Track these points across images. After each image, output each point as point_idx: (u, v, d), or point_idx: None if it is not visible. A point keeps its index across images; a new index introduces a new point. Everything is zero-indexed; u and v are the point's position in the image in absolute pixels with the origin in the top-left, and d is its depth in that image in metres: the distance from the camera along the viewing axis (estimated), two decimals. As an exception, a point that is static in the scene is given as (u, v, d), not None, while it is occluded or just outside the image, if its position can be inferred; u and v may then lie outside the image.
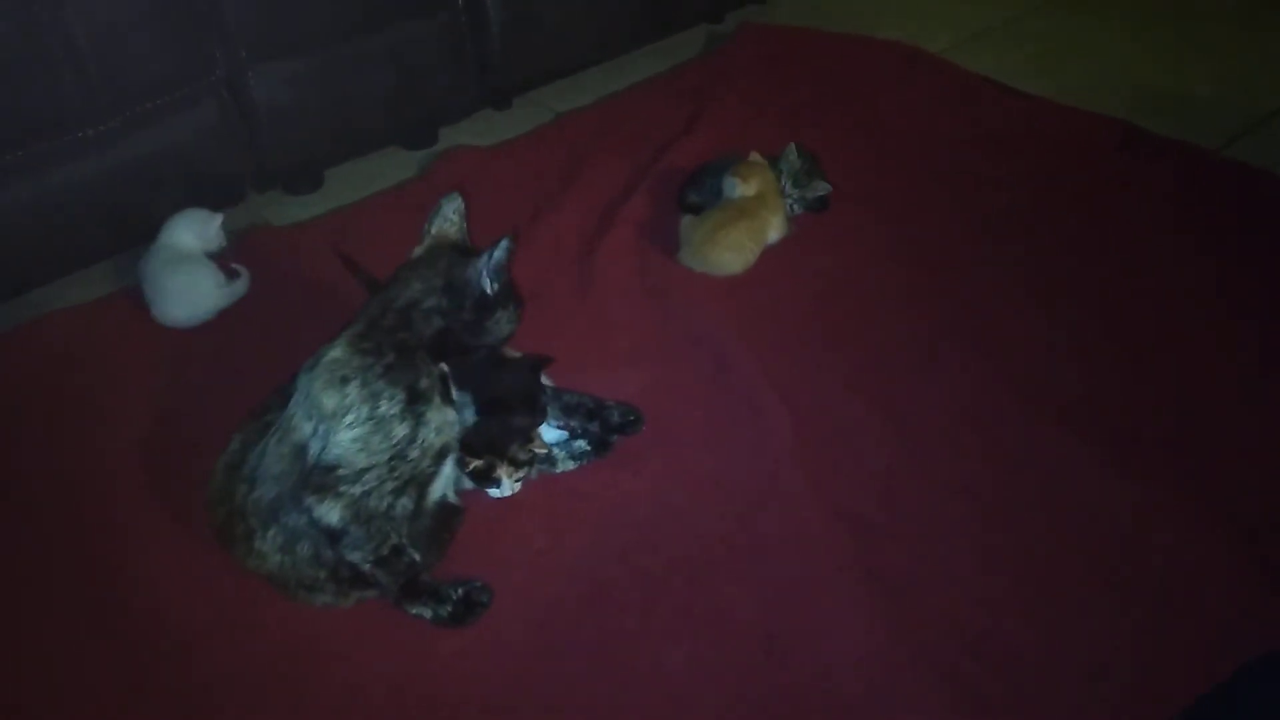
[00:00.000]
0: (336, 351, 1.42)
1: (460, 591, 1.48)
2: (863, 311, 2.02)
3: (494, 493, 1.62)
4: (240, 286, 2.08)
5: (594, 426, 1.74)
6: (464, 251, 1.54)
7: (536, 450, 1.63)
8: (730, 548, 1.58)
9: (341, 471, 1.38)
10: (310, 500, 1.38)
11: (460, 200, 1.59)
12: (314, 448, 1.39)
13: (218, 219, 2.12)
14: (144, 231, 2.07)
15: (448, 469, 1.54)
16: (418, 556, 1.47)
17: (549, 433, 1.71)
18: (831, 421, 1.79)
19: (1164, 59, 2.90)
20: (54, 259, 2.11)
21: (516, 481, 1.62)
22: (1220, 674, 1.29)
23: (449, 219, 1.58)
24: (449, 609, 1.47)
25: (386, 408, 1.39)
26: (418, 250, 1.56)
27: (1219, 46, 2.96)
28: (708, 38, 3.06)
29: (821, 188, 2.23)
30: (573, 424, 1.74)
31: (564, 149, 2.53)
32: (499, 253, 1.47)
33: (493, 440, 1.59)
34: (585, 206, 2.32)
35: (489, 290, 1.49)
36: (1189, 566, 1.53)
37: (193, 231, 2.09)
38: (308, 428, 1.40)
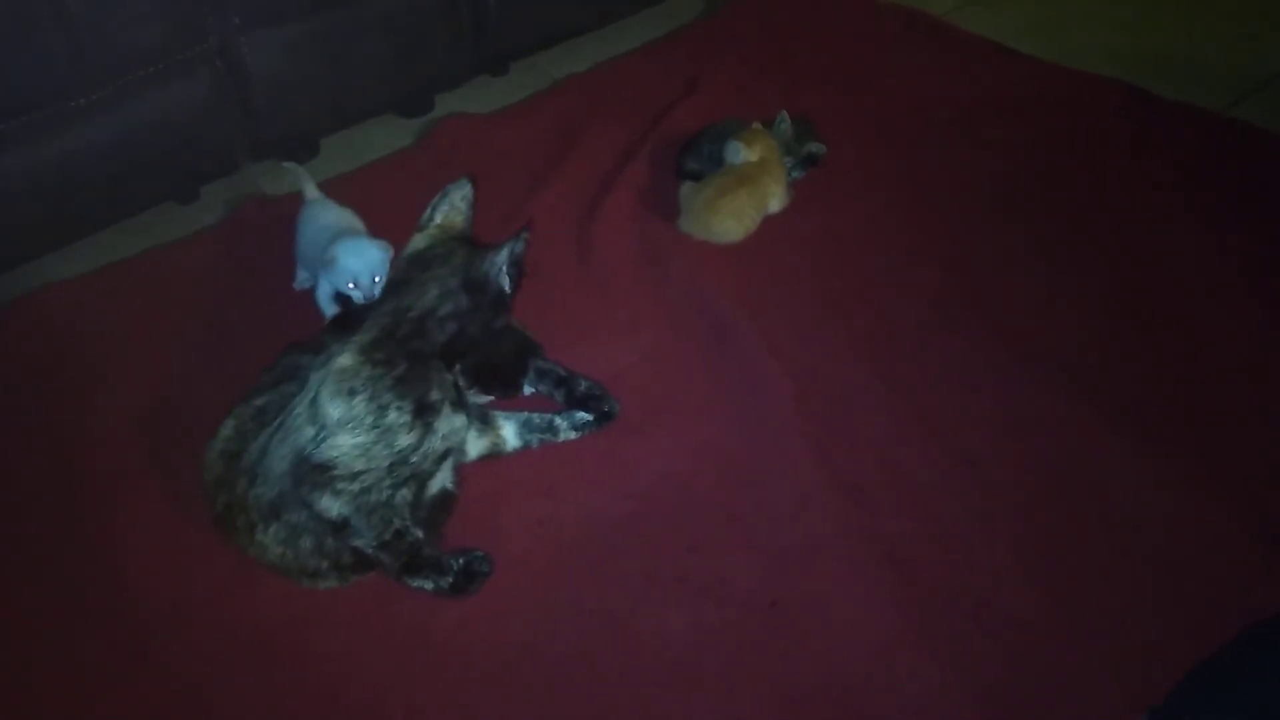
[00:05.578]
0: (346, 359, 1.39)
1: (461, 562, 1.48)
2: (864, 278, 2.01)
3: None
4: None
5: (559, 395, 1.73)
6: (472, 244, 1.48)
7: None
8: (731, 515, 1.58)
9: (337, 472, 1.37)
10: (311, 495, 1.38)
11: (470, 187, 1.53)
12: (310, 449, 1.38)
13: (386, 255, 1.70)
14: (138, 202, 2.04)
15: (449, 464, 1.53)
16: (420, 534, 1.46)
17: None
18: (833, 389, 1.78)
19: (1166, 20, 2.86)
20: (48, 231, 2.09)
21: None
22: (1222, 639, 1.29)
23: (457, 207, 1.51)
24: (449, 580, 1.47)
25: (395, 417, 1.38)
26: (420, 239, 1.50)
27: (1221, 6, 2.92)
28: (706, 1, 3.02)
29: (815, 146, 2.21)
30: (540, 389, 1.74)
31: (562, 115, 2.50)
32: (519, 246, 1.39)
33: (468, 370, 1.52)
34: (584, 173, 2.30)
35: (507, 288, 1.43)
36: (1191, 532, 1.53)
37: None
38: (310, 431, 1.38)
